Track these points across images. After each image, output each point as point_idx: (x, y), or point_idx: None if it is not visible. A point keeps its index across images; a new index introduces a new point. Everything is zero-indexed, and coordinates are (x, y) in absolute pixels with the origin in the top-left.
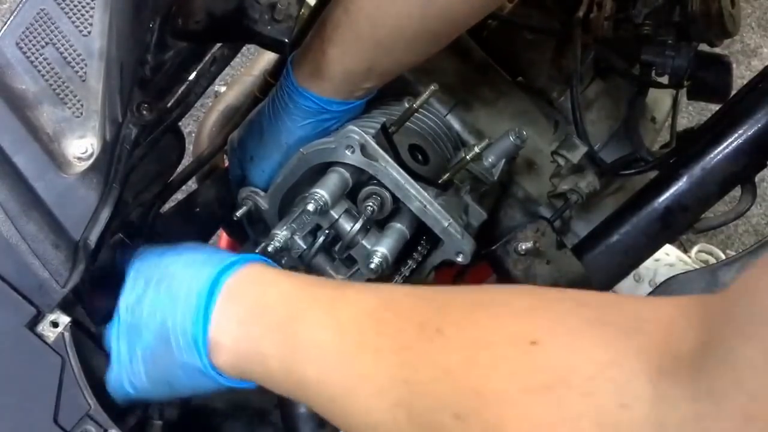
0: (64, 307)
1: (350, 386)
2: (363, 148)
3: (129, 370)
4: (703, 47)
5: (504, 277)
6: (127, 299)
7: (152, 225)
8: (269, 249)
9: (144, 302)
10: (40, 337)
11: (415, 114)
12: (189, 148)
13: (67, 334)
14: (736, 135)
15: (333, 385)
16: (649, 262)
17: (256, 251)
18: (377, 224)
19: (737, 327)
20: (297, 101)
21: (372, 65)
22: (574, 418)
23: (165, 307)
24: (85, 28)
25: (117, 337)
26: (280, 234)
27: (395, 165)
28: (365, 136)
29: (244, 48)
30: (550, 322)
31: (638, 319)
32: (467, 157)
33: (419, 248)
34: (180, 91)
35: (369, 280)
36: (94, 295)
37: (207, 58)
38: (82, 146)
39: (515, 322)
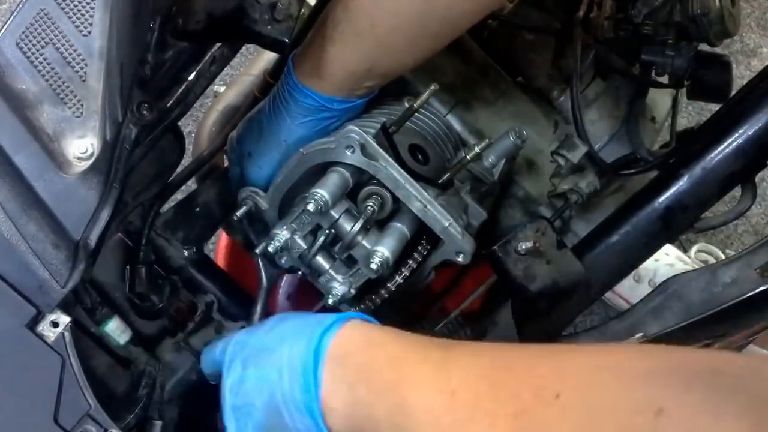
0: (64, 307)
1: None
2: (363, 148)
3: None
4: (703, 47)
5: (504, 277)
6: (230, 382)
7: (152, 225)
8: (269, 249)
9: (247, 381)
10: (40, 337)
11: (415, 114)
12: (189, 148)
13: (67, 334)
14: (736, 135)
15: None
16: (649, 262)
17: (257, 251)
18: (377, 224)
19: None
20: (297, 99)
21: (372, 65)
22: None
23: (271, 381)
24: (85, 28)
25: (228, 420)
26: (280, 234)
27: (395, 165)
28: (365, 136)
29: (244, 48)
30: (678, 388)
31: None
32: (467, 157)
33: (419, 248)
34: (180, 91)
35: (370, 280)
36: None
37: (207, 58)
38: (82, 146)
39: (640, 388)
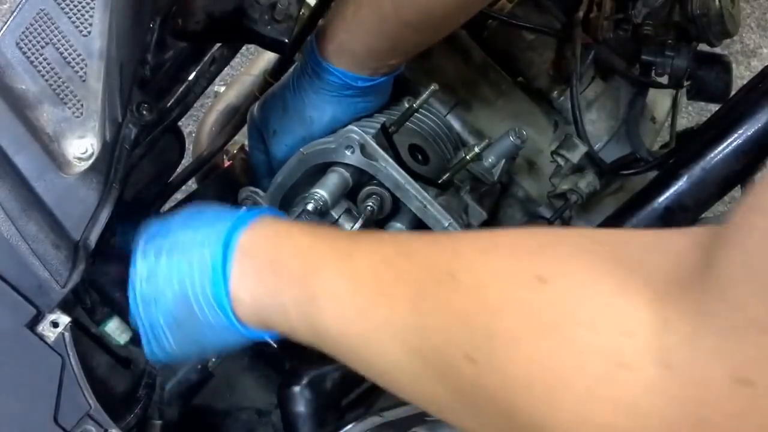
0: (64, 307)
1: (368, 334)
2: (363, 148)
3: (155, 340)
4: (703, 47)
5: None
6: (140, 272)
7: None
8: None
9: (158, 272)
10: (40, 337)
11: (415, 114)
12: (189, 148)
13: (67, 334)
14: (736, 135)
15: (351, 334)
16: None
17: None
18: (377, 224)
19: (726, 244)
20: (321, 75)
21: (396, 43)
22: (579, 352)
23: (181, 272)
24: (85, 28)
25: (136, 311)
26: None
27: (395, 165)
28: (365, 136)
29: (244, 48)
30: (559, 259)
31: (649, 250)
32: (467, 157)
33: None
34: (180, 91)
35: None
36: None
37: (206, 58)
38: (82, 146)
39: (525, 262)
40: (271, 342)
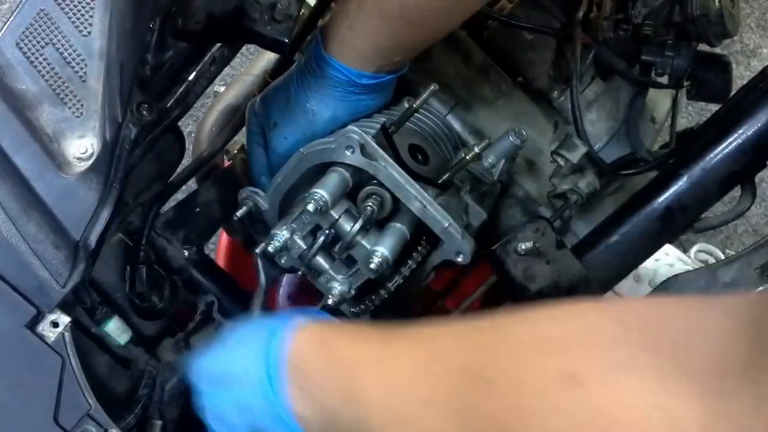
0: (64, 307)
1: None
2: (363, 148)
3: None
4: (703, 47)
5: (504, 277)
6: (208, 411)
7: (152, 225)
8: (269, 249)
9: (220, 406)
10: (40, 337)
11: (415, 114)
12: (189, 148)
13: (67, 334)
14: (736, 135)
15: None
16: (648, 262)
17: (256, 251)
18: (377, 224)
19: None
20: (326, 70)
21: (402, 41)
22: None
23: (239, 401)
24: (85, 28)
25: None
26: (280, 234)
27: (395, 165)
28: (365, 136)
29: (244, 48)
30: (592, 355)
31: (686, 333)
32: (467, 157)
33: (419, 248)
34: (180, 91)
35: (370, 280)
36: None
37: (206, 58)
38: (82, 146)
39: (556, 359)
40: None
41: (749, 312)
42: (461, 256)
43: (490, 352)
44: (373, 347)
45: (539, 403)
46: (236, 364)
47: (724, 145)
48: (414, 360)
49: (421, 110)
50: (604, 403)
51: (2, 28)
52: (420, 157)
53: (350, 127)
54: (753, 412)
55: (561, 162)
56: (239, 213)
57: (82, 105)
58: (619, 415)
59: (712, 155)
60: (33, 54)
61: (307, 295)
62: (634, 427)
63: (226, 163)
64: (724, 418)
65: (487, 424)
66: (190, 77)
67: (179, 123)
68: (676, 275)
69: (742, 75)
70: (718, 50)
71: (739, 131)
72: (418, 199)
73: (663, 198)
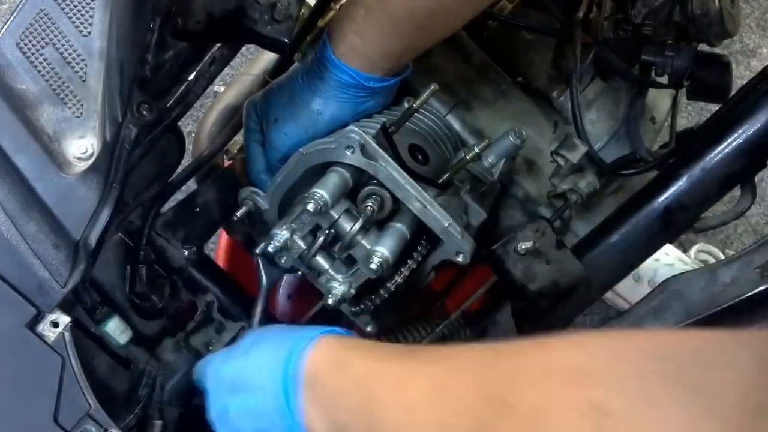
0: (64, 307)
1: None
2: (363, 148)
3: None
4: (703, 47)
5: (504, 277)
6: (216, 413)
7: (152, 225)
8: (269, 249)
9: (232, 411)
10: (40, 337)
11: (415, 114)
12: (189, 148)
13: (67, 334)
14: (736, 135)
15: None
16: (648, 262)
17: (256, 251)
18: (377, 224)
19: None
20: (333, 73)
21: (411, 43)
22: None
23: (252, 409)
24: (85, 28)
25: None
26: (280, 234)
27: (395, 165)
28: (365, 136)
29: (244, 48)
30: (620, 387)
31: (715, 369)
32: (467, 157)
33: (419, 248)
34: (180, 91)
35: (370, 280)
36: None
37: (206, 58)
38: (82, 146)
39: (583, 390)
40: None
41: None
42: (461, 256)
43: (513, 378)
44: (392, 366)
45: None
46: (253, 371)
47: (724, 145)
48: (433, 381)
49: (421, 110)
50: None
51: (2, 28)
52: (420, 157)
53: (350, 127)
54: None
55: (561, 162)
56: (239, 213)
57: (82, 105)
58: None
59: (712, 155)
60: (33, 54)
61: (307, 295)
62: None
63: (226, 163)
64: None
65: None
66: (190, 77)
67: (179, 123)
68: (676, 275)
69: (742, 75)
70: (718, 50)
71: (739, 131)
72: (418, 199)
73: (663, 198)
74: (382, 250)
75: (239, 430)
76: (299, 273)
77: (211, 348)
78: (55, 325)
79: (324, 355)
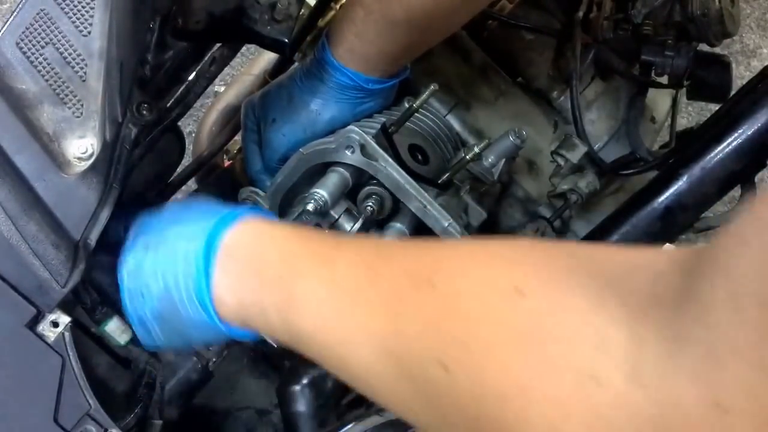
0: (64, 307)
1: (344, 338)
2: (363, 148)
3: (144, 331)
4: (703, 47)
5: None
6: (127, 265)
7: None
8: None
9: (144, 267)
10: (40, 337)
11: (415, 114)
12: (189, 148)
13: (67, 334)
14: (736, 135)
15: (328, 337)
16: None
17: None
18: (377, 224)
19: (710, 268)
20: (333, 75)
21: (410, 45)
22: (552, 365)
23: (165, 268)
24: (85, 28)
25: (124, 303)
26: None
27: (395, 165)
28: (365, 136)
29: (244, 48)
30: (538, 272)
31: (628, 267)
32: (467, 157)
33: None
34: (180, 91)
35: None
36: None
37: (206, 58)
38: (82, 146)
39: (504, 272)
40: (271, 342)
41: (688, 256)
42: None
43: (438, 261)
44: (316, 245)
45: (479, 309)
46: (178, 234)
47: (724, 145)
48: (361, 259)
49: (421, 110)
50: (543, 316)
51: (2, 28)
52: (420, 157)
53: (350, 127)
54: (673, 339)
55: (561, 162)
56: None
57: (82, 105)
58: (554, 328)
59: (711, 155)
60: (33, 54)
61: None
62: (565, 342)
63: (226, 163)
64: (645, 344)
65: (421, 325)
66: (190, 77)
67: (179, 123)
68: None
69: (742, 75)
70: (718, 50)
71: (739, 131)
72: (418, 199)
73: (663, 198)
74: None
75: (147, 288)
76: None
77: (210, 348)
78: (55, 325)
79: (249, 227)
